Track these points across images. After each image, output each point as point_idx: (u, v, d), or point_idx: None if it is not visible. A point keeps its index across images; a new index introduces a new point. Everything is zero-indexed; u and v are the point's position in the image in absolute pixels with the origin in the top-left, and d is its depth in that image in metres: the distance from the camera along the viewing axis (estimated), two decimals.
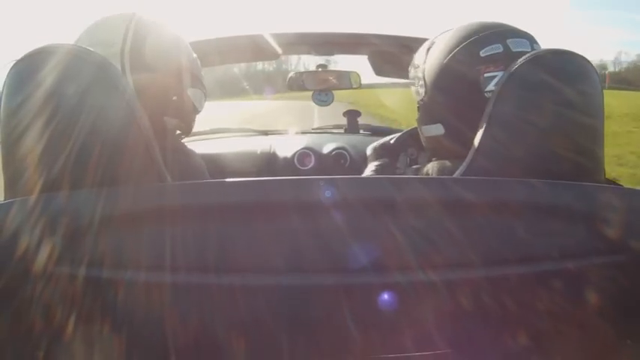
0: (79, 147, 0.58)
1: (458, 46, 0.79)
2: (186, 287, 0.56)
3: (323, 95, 1.76)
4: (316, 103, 1.78)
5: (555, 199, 0.57)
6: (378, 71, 1.74)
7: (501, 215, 0.57)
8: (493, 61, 0.75)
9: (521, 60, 0.68)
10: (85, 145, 0.58)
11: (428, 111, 0.84)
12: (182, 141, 0.93)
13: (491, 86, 0.74)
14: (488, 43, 0.76)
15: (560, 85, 0.65)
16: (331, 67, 1.78)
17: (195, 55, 0.91)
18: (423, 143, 0.88)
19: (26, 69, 0.59)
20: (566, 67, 0.65)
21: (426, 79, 0.83)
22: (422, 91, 0.84)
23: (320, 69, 1.76)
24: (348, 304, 0.59)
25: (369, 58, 1.64)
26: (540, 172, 0.59)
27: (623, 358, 0.66)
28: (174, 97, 0.83)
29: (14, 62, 0.59)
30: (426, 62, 0.84)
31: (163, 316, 0.60)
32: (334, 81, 1.76)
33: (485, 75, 0.75)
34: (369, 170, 1.40)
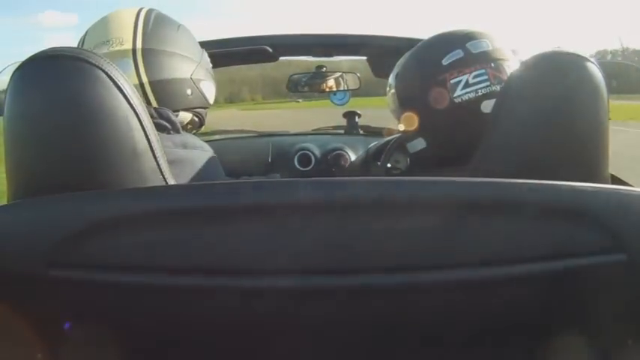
0: (82, 149, 0.58)
1: (421, 60, 0.82)
2: (184, 290, 0.56)
3: (340, 95, 1.78)
4: (334, 103, 1.80)
5: (555, 199, 0.57)
6: (377, 73, 1.75)
7: (500, 215, 0.57)
8: (456, 66, 0.77)
9: (525, 62, 0.69)
10: (88, 147, 0.58)
11: (407, 128, 0.86)
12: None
13: (458, 91, 0.76)
14: (449, 50, 0.78)
15: (562, 86, 0.65)
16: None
17: (202, 48, 0.91)
18: (412, 159, 0.91)
19: (29, 73, 0.59)
20: (565, 68, 0.65)
21: (398, 97, 0.86)
22: (398, 110, 0.86)
23: (321, 70, 1.77)
24: (347, 307, 0.59)
25: (368, 60, 1.64)
26: (544, 173, 0.59)
27: (623, 358, 0.66)
28: (189, 91, 0.83)
29: (17, 66, 0.59)
30: (396, 82, 0.86)
31: (164, 318, 0.61)
32: (334, 82, 1.76)
33: (451, 81, 0.77)
34: (371, 171, 1.41)
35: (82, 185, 0.58)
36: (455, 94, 0.76)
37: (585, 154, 0.66)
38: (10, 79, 0.59)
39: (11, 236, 0.57)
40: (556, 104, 0.65)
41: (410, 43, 1.45)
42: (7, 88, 0.60)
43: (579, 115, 0.65)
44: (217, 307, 0.59)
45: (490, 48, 0.78)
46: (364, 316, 0.60)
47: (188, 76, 0.83)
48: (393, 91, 0.87)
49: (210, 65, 0.93)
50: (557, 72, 0.65)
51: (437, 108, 0.78)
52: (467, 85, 0.76)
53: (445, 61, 0.78)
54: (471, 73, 0.76)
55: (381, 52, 1.55)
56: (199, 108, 0.88)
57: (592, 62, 0.66)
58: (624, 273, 0.60)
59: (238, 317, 0.60)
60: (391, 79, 0.88)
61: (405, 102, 0.85)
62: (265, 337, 0.63)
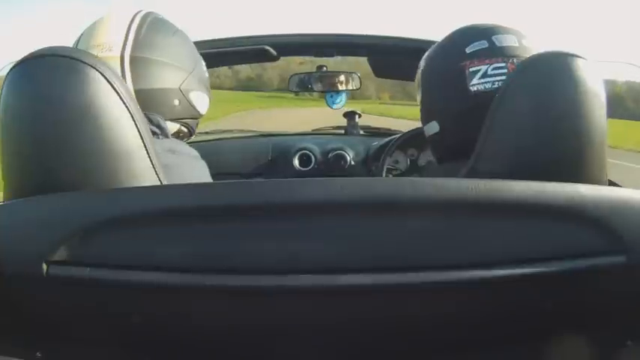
0: (75, 148, 0.58)
1: (447, 46, 0.83)
2: (184, 290, 0.56)
3: (336, 96, 1.77)
4: (329, 106, 1.78)
5: (555, 201, 0.57)
6: (378, 72, 1.75)
7: (499, 216, 0.57)
8: (477, 55, 0.77)
9: (522, 64, 0.68)
10: (82, 146, 0.58)
11: (424, 110, 0.87)
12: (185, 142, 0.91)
13: (475, 80, 0.76)
14: (474, 40, 0.78)
15: (559, 88, 0.65)
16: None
17: (198, 56, 0.89)
18: (429, 144, 0.91)
19: (24, 72, 0.59)
20: (565, 69, 0.65)
21: (420, 79, 0.87)
22: (419, 91, 0.87)
23: (321, 70, 1.77)
24: (346, 307, 0.59)
25: (368, 60, 1.64)
26: (541, 174, 0.59)
27: (623, 358, 0.66)
28: (176, 102, 0.82)
29: (12, 66, 0.59)
30: (423, 63, 0.87)
31: (164, 317, 0.61)
32: (335, 82, 1.76)
33: (470, 69, 0.77)
34: (371, 171, 1.41)
35: (76, 184, 0.58)
36: (471, 83, 0.76)
37: (582, 155, 0.65)
38: (5, 77, 0.59)
39: (10, 235, 0.57)
40: (553, 105, 0.65)
41: (411, 43, 1.46)
42: (2, 87, 0.60)
43: (575, 116, 0.64)
44: (217, 306, 0.59)
45: (516, 44, 0.77)
46: (365, 316, 0.59)
47: (177, 86, 0.81)
48: (419, 71, 0.88)
49: (206, 75, 0.91)
50: (554, 72, 0.65)
51: (452, 94, 0.79)
52: (485, 75, 0.76)
53: (469, 50, 0.78)
54: (491, 64, 0.76)
55: (383, 52, 1.55)
56: (188, 119, 0.86)
57: (591, 64, 0.66)
58: (624, 274, 0.60)
59: (238, 317, 0.60)
60: (420, 64, 0.89)
61: (425, 84, 0.86)
62: (266, 337, 0.63)
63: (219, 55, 1.44)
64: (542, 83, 0.65)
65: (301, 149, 1.63)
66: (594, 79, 0.65)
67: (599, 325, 0.66)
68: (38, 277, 0.54)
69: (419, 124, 0.91)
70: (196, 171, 0.81)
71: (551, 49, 0.68)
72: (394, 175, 1.54)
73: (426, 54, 0.87)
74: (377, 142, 1.64)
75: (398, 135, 1.57)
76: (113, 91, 0.59)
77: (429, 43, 1.38)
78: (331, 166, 1.62)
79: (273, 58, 1.57)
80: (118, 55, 0.75)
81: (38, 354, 0.62)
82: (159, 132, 0.77)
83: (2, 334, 0.59)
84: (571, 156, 0.65)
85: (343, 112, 1.87)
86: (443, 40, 0.85)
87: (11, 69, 0.59)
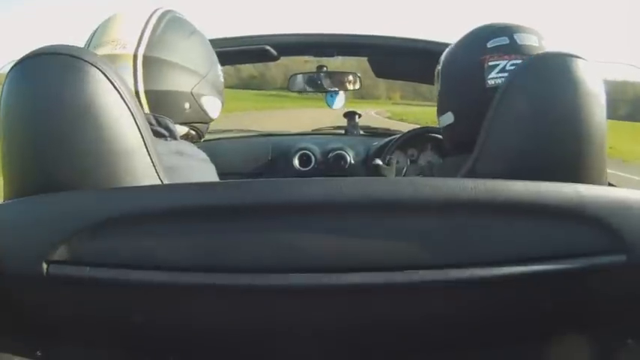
0: (75, 147, 0.58)
1: (468, 40, 0.85)
2: (184, 289, 0.56)
3: (335, 96, 1.76)
4: (329, 105, 1.78)
5: (555, 200, 0.57)
6: (378, 72, 1.75)
7: (500, 216, 0.57)
8: (498, 50, 0.78)
9: (521, 64, 0.68)
10: (81, 144, 0.58)
11: (441, 101, 0.88)
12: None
13: (493, 74, 0.77)
14: (496, 35, 0.80)
15: (558, 90, 0.64)
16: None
17: (215, 59, 0.87)
18: (442, 136, 0.93)
19: (24, 70, 0.59)
20: (564, 71, 0.65)
21: (441, 71, 0.88)
22: (438, 82, 0.88)
23: (321, 70, 1.77)
24: (347, 306, 0.59)
25: (369, 60, 1.64)
26: (541, 178, 0.59)
27: (623, 358, 0.66)
28: (187, 105, 0.80)
29: (13, 64, 0.59)
30: (442, 58, 0.89)
31: (164, 317, 0.61)
32: (334, 82, 1.76)
33: (489, 63, 0.78)
34: (371, 171, 1.42)
35: (76, 183, 0.58)
36: (489, 76, 0.78)
37: (581, 158, 0.65)
38: (6, 76, 0.59)
39: (10, 235, 0.57)
40: (552, 108, 0.64)
41: (411, 43, 1.46)
42: (2, 87, 0.60)
43: (575, 119, 0.64)
44: (217, 306, 0.59)
45: (536, 44, 0.79)
46: (365, 315, 0.60)
47: (188, 90, 0.79)
48: (439, 65, 0.90)
49: (221, 79, 0.89)
50: (553, 74, 0.65)
51: (470, 86, 0.80)
52: (502, 70, 0.77)
53: (489, 44, 0.79)
54: (510, 60, 0.77)
55: (383, 52, 1.55)
56: (198, 123, 0.85)
57: (590, 65, 0.66)
58: (624, 274, 0.60)
59: (239, 316, 0.60)
60: (442, 55, 0.91)
61: (444, 75, 0.87)
62: (267, 336, 0.63)
63: (218, 54, 1.44)
64: (542, 85, 0.65)
65: (301, 149, 1.63)
66: (594, 80, 0.65)
67: (600, 324, 0.66)
68: (38, 276, 0.54)
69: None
70: (203, 173, 0.79)
71: (551, 51, 0.68)
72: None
73: (448, 49, 0.89)
74: (377, 142, 1.64)
75: (398, 135, 1.57)
76: (114, 89, 0.59)
77: (429, 43, 1.39)
78: (331, 166, 1.62)
79: (274, 58, 1.57)
80: (132, 53, 0.74)
81: (38, 353, 0.62)
82: (167, 134, 0.76)
83: (2, 333, 0.59)
84: (570, 159, 0.65)
85: (344, 113, 1.87)
86: (464, 36, 0.86)
87: (12, 68, 0.59)
